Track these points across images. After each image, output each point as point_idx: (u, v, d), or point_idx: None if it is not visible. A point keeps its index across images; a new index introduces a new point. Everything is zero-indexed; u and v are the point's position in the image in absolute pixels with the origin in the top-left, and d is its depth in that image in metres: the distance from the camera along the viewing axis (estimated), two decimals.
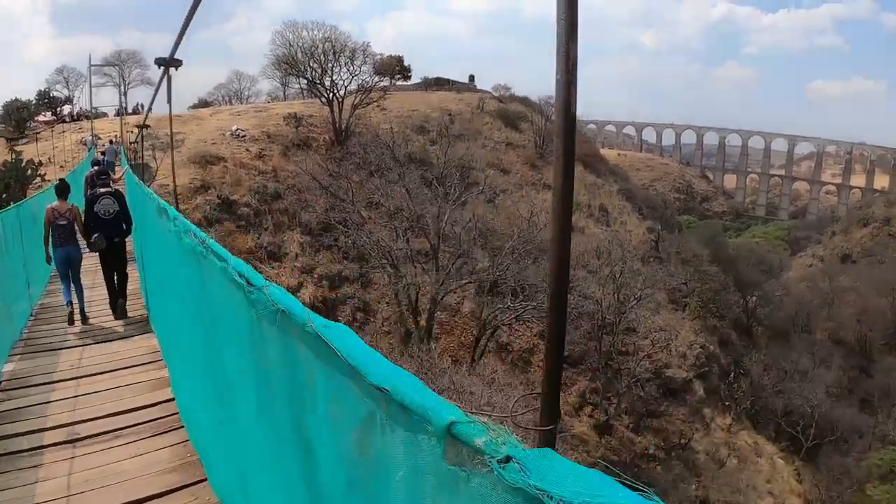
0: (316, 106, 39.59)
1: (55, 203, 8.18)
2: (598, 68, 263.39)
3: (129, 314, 8.35)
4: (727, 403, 30.06)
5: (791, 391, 30.33)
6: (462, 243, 23.69)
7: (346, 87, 35.71)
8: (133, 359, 6.41)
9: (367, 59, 36.66)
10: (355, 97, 36.04)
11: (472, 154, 32.62)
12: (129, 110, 44.96)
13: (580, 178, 45.00)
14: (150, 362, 6.28)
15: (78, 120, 44.10)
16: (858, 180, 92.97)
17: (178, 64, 6.06)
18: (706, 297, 36.58)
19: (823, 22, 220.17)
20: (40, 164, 26.36)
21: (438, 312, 24.36)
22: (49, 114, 46.99)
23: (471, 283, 25.19)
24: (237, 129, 34.05)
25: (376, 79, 38.61)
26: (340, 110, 35.06)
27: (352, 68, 35.36)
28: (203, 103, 56.45)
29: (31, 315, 8.58)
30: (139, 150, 24.29)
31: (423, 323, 23.66)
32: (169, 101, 5.60)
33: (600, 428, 25.26)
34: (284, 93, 60.76)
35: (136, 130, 29.34)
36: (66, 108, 50.27)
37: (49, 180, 24.18)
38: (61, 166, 28.86)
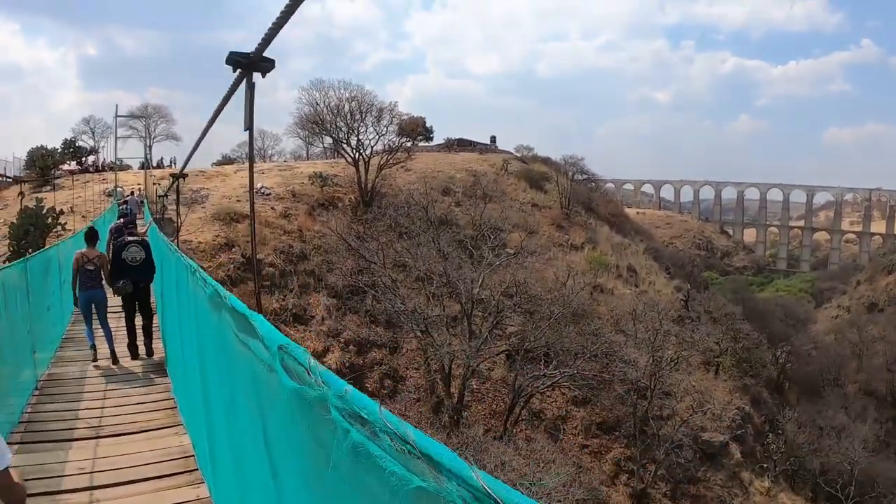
0: (340, 165, 39.44)
1: (84, 249, 8.58)
2: (614, 126, 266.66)
3: (154, 397, 7.26)
4: (765, 465, 28.74)
5: (828, 448, 29.24)
6: (500, 309, 22.56)
7: (372, 147, 35.37)
8: (160, 465, 5.21)
9: (394, 118, 36.57)
10: (381, 157, 35.66)
11: (506, 216, 31.75)
12: (154, 164, 45.12)
13: (607, 238, 44.21)
14: (182, 472, 5.08)
15: (102, 171, 44.17)
16: (878, 226, 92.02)
17: (267, 68, 3.72)
18: (739, 356, 35.17)
19: (832, 70, 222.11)
20: (61, 212, 25.90)
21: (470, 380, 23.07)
22: (74, 163, 47.10)
23: (507, 350, 23.91)
24: (262, 186, 33.70)
25: (403, 140, 38.28)
26: (367, 170, 34.61)
27: (378, 128, 35.18)
28: (227, 160, 56.86)
29: (36, 389, 7.27)
30: (167, 205, 23.72)
31: (455, 391, 22.34)
32: (250, 119, 3.48)
33: (637, 497, 23.88)
34: (307, 152, 61.29)
35: (164, 181, 28.99)
36: (91, 159, 50.50)
37: (70, 230, 23.61)
38: (83, 216, 28.45)
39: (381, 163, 35.06)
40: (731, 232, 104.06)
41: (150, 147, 44.16)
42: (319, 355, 22.51)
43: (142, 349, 8.75)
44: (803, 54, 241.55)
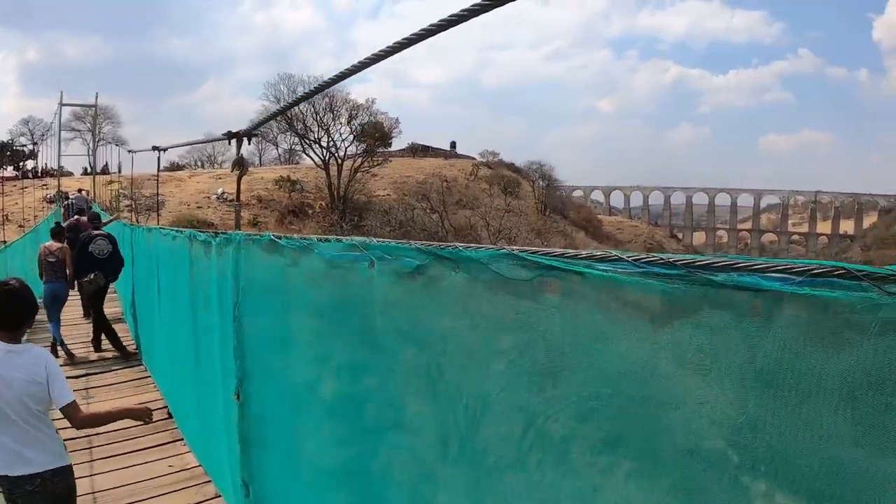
0: (302, 171, 36.84)
1: (47, 242, 8.57)
2: (560, 135, 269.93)
3: None
4: None
5: None
6: None
7: (346, 148, 32.60)
8: None
9: (371, 117, 33.86)
10: (354, 160, 32.94)
11: (517, 226, 29.73)
12: (99, 169, 40.92)
13: (584, 245, 43.15)
14: None
15: (42, 176, 40.07)
16: (823, 227, 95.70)
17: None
18: None
19: (770, 79, 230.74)
20: None
21: None
22: (10, 168, 42.80)
23: None
24: (223, 192, 30.76)
25: (377, 142, 35.54)
26: (339, 173, 31.91)
27: (353, 126, 32.42)
28: (175, 166, 52.96)
29: None
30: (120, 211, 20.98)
31: None
32: None
33: None
34: (261, 158, 57.90)
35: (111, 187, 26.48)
36: (30, 164, 46.18)
37: (5, 241, 20.34)
38: (20, 225, 25.01)
39: (356, 165, 32.38)
40: (680, 236, 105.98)
41: (95, 150, 39.75)
42: None
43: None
44: (743, 63, 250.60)
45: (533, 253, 1.52)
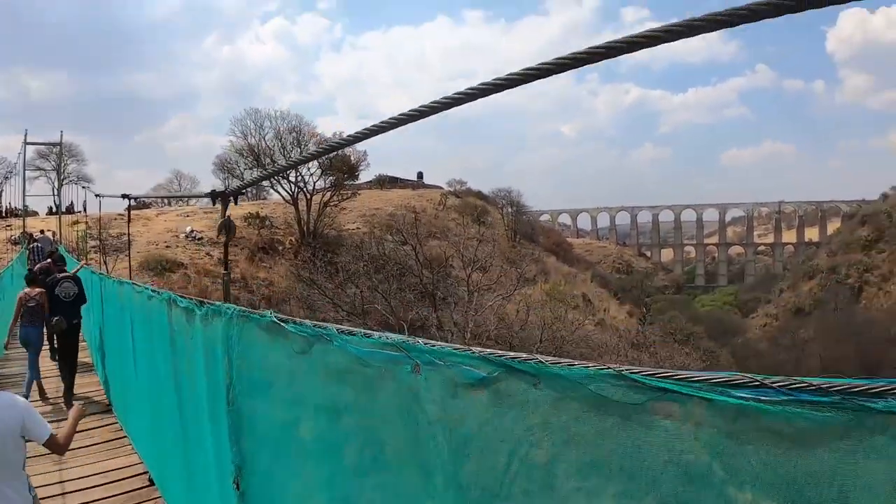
0: (270, 206, 36.26)
1: (27, 289, 8.75)
2: (524, 160, 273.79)
3: None
4: None
5: None
6: None
7: (314, 183, 32.11)
8: None
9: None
10: (323, 194, 32.51)
11: (491, 255, 29.51)
12: (64, 208, 39.48)
13: (556, 269, 43.29)
14: None
15: (6, 216, 38.66)
16: (789, 237, 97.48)
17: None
18: None
19: (729, 95, 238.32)
20: None
21: None
22: None
23: None
24: (192, 230, 29.95)
25: (345, 175, 35.14)
26: (308, 208, 31.41)
27: (322, 161, 31.89)
28: (142, 204, 51.79)
29: None
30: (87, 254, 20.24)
31: None
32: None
33: None
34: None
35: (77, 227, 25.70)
36: None
37: None
38: None
39: (325, 199, 31.95)
40: (648, 254, 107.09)
41: (60, 187, 38.20)
42: None
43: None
44: (702, 81, 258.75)
45: (649, 375, 1.24)
